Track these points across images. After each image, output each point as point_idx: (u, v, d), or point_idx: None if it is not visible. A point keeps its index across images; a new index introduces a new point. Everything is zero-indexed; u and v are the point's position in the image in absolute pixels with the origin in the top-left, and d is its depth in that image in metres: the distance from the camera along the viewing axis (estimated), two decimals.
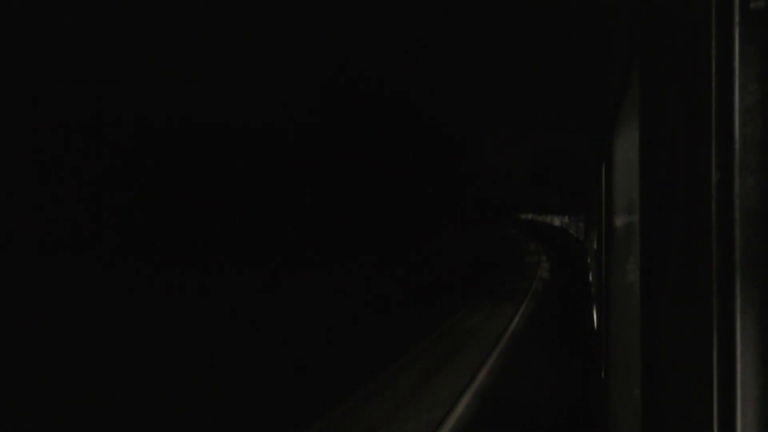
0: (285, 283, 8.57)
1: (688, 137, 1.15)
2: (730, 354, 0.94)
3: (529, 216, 51.87)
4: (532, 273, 25.56)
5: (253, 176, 7.41)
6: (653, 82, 1.63)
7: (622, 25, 2.76)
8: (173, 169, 5.92)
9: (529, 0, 2.61)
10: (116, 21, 3.02)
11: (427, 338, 11.73)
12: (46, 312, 4.44)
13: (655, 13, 1.57)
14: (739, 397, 0.93)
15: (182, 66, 3.85)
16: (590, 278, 16.45)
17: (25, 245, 4.26)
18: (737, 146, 0.90)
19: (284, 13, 2.89)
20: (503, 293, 19.13)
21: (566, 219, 43.52)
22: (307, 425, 6.72)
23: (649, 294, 1.72)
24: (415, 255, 15.96)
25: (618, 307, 4.00)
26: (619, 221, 3.94)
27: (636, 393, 2.39)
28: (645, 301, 1.80)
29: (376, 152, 7.61)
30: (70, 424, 4.58)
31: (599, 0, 2.58)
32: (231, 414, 6.61)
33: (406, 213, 14.17)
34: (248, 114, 5.35)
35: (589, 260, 18.66)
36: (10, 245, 4.14)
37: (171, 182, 5.92)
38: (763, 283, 0.91)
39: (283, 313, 8.50)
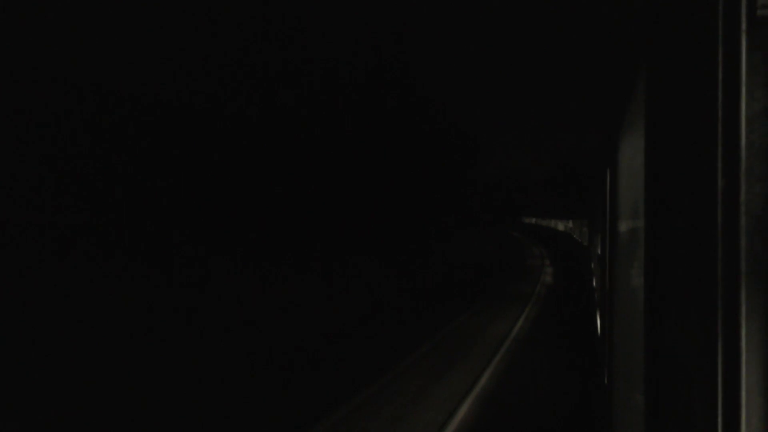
0: (289, 283, 8.57)
1: (693, 143, 1.15)
2: (735, 361, 0.93)
3: (533, 220, 51.80)
4: (536, 277, 25.53)
5: (263, 176, 7.43)
6: (659, 88, 1.63)
7: (628, 31, 2.76)
8: (171, 166, 5.94)
9: (536, 7, 2.62)
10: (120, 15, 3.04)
11: (436, 336, 11.75)
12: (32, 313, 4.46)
13: (661, 18, 1.57)
14: (743, 404, 0.93)
15: (184, 58, 3.88)
16: (594, 283, 16.38)
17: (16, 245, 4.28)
18: (743, 153, 0.90)
19: (293, 5, 2.90)
20: (508, 296, 19.14)
21: (570, 223, 43.43)
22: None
23: (653, 299, 1.71)
24: (422, 256, 15.96)
25: (622, 313, 3.99)
26: (623, 226, 3.93)
27: (639, 399, 2.38)
28: (649, 307, 1.79)
29: (381, 152, 7.62)
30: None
31: (606, 6, 2.58)
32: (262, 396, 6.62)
33: (415, 216, 14.17)
34: (251, 111, 5.37)
35: (593, 265, 18.60)
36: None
37: (169, 179, 5.94)
38: None
39: (288, 314, 8.51)
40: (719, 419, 0.98)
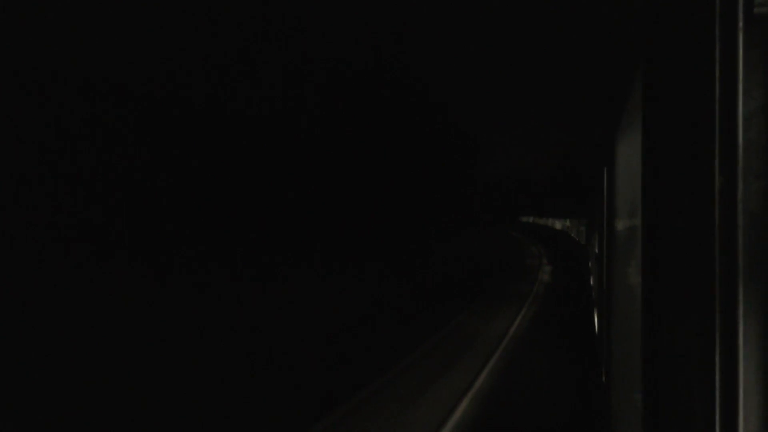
0: (289, 283, 8.57)
1: (691, 141, 1.15)
2: (733, 358, 0.94)
3: (531, 219, 51.85)
4: (534, 277, 25.61)
5: (264, 176, 7.42)
6: (656, 87, 1.63)
7: (625, 30, 2.76)
8: (171, 166, 5.94)
9: (536, 7, 2.62)
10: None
11: (435, 336, 11.78)
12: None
13: (658, 17, 1.58)
14: (741, 402, 0.93)
15: (184, 58, 3.88)
16: (591, 282, 16.41)
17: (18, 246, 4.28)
18: (740, 151, 0.90)
19: (293, 5, 2.90)
20: (507, 296, 19.21)
21: (567, 222, 43.48)
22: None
23: (650, 298, 1.72)
24: (422, 256, 15.98)
25: (619, 311, 3.99)
26: (621, 225, 3.93)
27: (637, 397, 2.38)
28: (646, 305, 1.80)
29: (382, 152, 7.62)
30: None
31: (603, 6, 2.58)
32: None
33: (415, 216, 14.17)
34: (252, 111, 5.37)
35: (590, 264, 18.63)
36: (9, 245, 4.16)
37: (169, 179, 5.93)
38: (767, 287, 0.91)
39: (288, 314, 8.50)
40: (717, 418, 0.98)
